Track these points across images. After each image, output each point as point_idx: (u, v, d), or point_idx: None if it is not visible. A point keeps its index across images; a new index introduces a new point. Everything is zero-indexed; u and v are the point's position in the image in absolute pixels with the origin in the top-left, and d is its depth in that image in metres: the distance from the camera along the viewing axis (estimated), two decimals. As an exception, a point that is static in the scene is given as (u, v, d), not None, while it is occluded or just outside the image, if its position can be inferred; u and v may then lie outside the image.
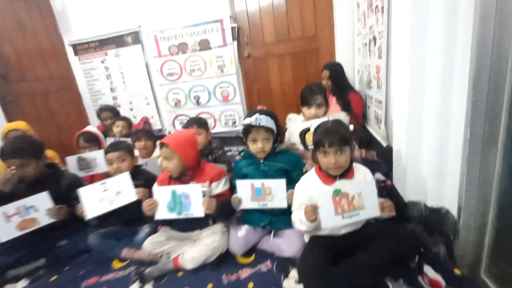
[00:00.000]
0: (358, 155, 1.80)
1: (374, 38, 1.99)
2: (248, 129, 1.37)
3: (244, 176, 1.45)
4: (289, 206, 1.28)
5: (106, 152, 1.61)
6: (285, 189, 1.30)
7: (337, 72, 2.49)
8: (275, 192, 1.31)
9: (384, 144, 1.88)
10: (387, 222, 1.12)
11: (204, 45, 2.96)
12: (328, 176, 1.17)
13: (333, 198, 1.06)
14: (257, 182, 1.32)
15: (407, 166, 1.23)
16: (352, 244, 1.14)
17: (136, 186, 1.46)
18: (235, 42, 2.94)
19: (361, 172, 1.20)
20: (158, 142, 1.64)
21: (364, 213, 1.06)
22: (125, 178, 1.46)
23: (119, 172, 1.51)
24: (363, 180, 1.17)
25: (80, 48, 3.29)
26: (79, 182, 1.67)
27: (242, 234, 1.37)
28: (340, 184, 1.14)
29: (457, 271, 1.09)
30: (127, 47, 3.17)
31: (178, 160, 1.35)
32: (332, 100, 2.39)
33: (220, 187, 1.42)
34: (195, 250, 1.29)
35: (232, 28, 2.88)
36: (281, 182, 1.29)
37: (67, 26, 3.23)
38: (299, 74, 3.02)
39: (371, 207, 1.06)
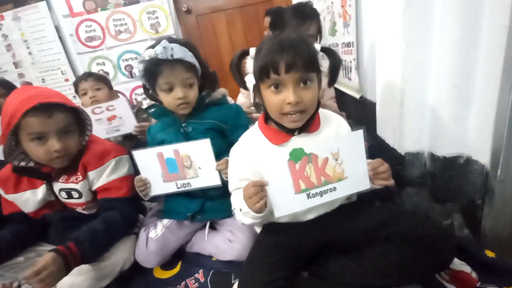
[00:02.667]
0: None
1: (337, -38, 1.54)
2: (154, 68, 0.84)
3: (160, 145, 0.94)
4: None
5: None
6: (213, 155, 0.81)
7: (280, 18, 2.01)
8: (198, 163, 0.82)
9: (357, 96, 1.48)
10: (387, 198, 0.68)
11: (130, -2, 2.33)
12: (280, 131, 0.70)
13: (291, 166, 0.59)
14: (167, 149, 0.82)
15: (403, 106, 0.79)
16: (331, 235, 0.69)
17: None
18: (170, -7, 2.35)
19: (333, 122, 0.74)
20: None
21: (345, 186, 0.61)
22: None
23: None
24: (335, 131, 0.72)
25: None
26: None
27: (157, 234, 0.87)
28: (301, 141, 0.68)
29: (489, 253, 0.69)
30: (28, 5, 2.42)
31: None
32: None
33: (105, 175, 0.88)
34: (69, 275, 0.72)
35: (163, -27, 2.28)
36: (204, 144, 0.80)
37: None
38: (252, 33, 2.52)
39: (357, 174, 0.61)
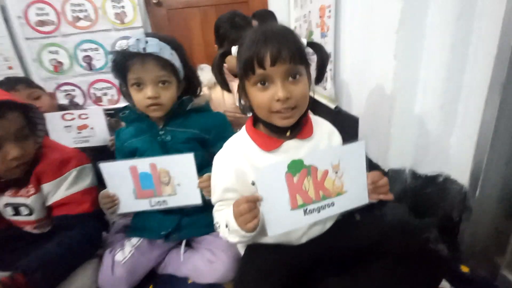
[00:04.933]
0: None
1: (318, -29, 1.55)
2: (124, 61, 0.75)
3: (132, 155, 0.83)
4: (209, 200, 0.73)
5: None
6: (195, 172, 0.74)
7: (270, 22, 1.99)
8: (178, 179, 0.74)
9: (332, 105, 1.50)
10: (367, 211, 0.67)
11: (92, -18, 2.11)
12: (270, 136, 0.66)
13: (288, 179, 0.54)
14: (142, 163, 0.73)
15: (391, 124, 0.80)
16: (322, 257, 0.66)
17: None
18: (139, -18, 2.17)
19: (324, 128, 0.71)
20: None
21: (344, 201, 0.58)
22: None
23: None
24: (327, 139, 0.69)
25: None
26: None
27: (125, 257, 0.76)
28: (293, 146, 0.64)
29: (464, 268, 0.72)
30: (-37, -22, 2.06)
31: None
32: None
33: (64, 187, 0.76)
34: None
35: (133, -40, 2.10)
36: (186, 159, 0.72)
37: None
38: (226, 31, 2.45)
39: (357, 188, 0.58)
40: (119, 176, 0.73)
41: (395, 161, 0.83)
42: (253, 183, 0.65)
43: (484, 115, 0.64)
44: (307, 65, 0.61)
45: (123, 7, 2.18)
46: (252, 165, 0.64)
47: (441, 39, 0.69)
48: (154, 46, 0.73)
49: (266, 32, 0.58)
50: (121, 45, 0.73)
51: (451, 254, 0.76)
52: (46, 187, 0.73)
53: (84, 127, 1.10)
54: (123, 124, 0.93)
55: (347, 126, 1.12)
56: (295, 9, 2.15)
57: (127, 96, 0.84)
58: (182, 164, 0.72)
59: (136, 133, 0.84)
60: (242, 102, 0.66)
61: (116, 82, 2.35)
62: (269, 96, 0.59)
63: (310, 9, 1.77)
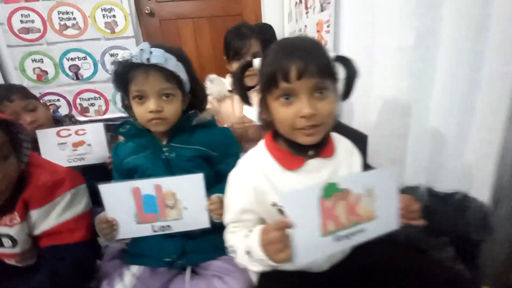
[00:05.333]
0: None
1: (315, -14, 1.57)
2: (126, 72, 0.70)
3: (131, 173, 0.76)
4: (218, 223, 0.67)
5: None
6: (205, 194, 0.68)
7: (268, 36, 1.99)
8: (185, 202, 0.68)
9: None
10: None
11: (82, -10, 2.04)
12: (292, 151, 0.61)
13: (321, 203, 0.49)
14: (146, 184, 0.66)
15: (407, 140, 0.78)
16: (343, 284, 0.61)
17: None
18: (131, -8, 2.12)
19: (343, 146, 0.68)
20: None
21: (375, 227, 0.54)
22: None
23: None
24: (349, 158, 0.66)
25: None
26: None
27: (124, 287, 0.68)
28: (316, 165, 0.60)
29: (487, 292, 0.69)
30: None
31: None
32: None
33: (55, 214, 0.67)
34: None
35: (125, -30, 2.06)
36: (195, 180, 0.67)
37: None
38: (219, 43, 2.39)
39: (388, 214, 0.54)
40: (119, 198, 0.65)
41: (410, 178, 0.80)
42: (273, 205, 0.60)
43: (508, 131, 0.62)
44: (334, 80, 0.58)
45: (114, 16, 2.12)
46: (272, 184, 0.59)
47: (457, 54, 0.68)
48: (159, 56, 0.68)
49: (293, 44, 0.54)
50: (123, 55, 0.68)
51: (471, 274, 0.74)
52: (34, 214, 0.63)
53: (80, 143, 1.00)
54: (121, 138, 0.86)
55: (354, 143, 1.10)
56: (289, 23, 2.17)
57: (128, 109, 0.77)
58: (190, 186, 0.66)
59: (137, 149, 0.77)
60: (263, 116, 0.62)
61: (107, 93, 2.29)
62: (293, 111, 0.55)
63: (306, 23, 1.78)
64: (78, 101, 2.26)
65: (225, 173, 0.70)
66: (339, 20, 1.30)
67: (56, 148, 0.97)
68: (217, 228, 0.67)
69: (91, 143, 1.00)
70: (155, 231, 0.69)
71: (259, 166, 0.62)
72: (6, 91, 0.99)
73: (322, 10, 1.47)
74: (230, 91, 1.26)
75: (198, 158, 0.76)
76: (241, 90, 0.63)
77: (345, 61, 0.60)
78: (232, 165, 0.70)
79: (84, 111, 2.27)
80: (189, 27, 2.37)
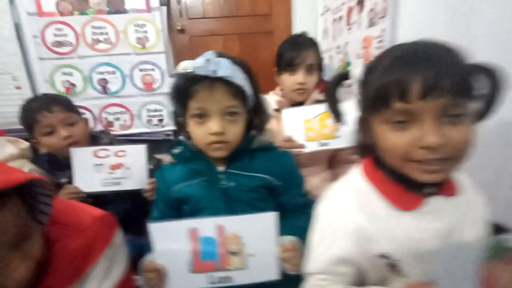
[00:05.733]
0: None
1: (361, 2, 1.49)
2: (187, 86, 0.59)
3: (180, 204, 0.64)
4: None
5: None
6: (276, 237, 0.55)
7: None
8: (253, 248, 0.55)
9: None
10: None
11: (116, 5, 2.05)
12: (405, 189, 0.47)
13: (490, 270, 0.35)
14: (205, 224, 0.54)
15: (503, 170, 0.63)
16: None
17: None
18: (164, 9, 2.12)
19: (466, 177, 0.54)
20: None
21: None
22: None
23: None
24: (477, 196, 0.52)
25: None
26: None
27: None
28: (440, 206, 0.48)
29: None
30: (-19, -5, 1.98)
31: None
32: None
33: (113, 277, 0.52)
34: None
35: (161, -13, 2.06)
36: (267, 219, 0.54)
37: None
38: (249, 61, 2.35)
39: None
40: (173, 241, 0.53)
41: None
42: (382, 257, 0.46)
43: None
44: (472, 99, 0.45)
45: (146, 32, 2.11)
46: (382, 228, 0.46)
47: None
48: (227, 68, 0.58)
49: (415, 50, 0.42)
50: (185, 66, 0.58)
51: None
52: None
53: (118, 166, 0.91)
54: (166, 160, 0.74)
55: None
56: (324, 40, 2.10)
57: (181, 128, 0.67)
58: (259, 227, 0.54)
59: (188, 175, 0.65)
60: (364, 139, 0.49)
61: (133, 108, 2.24)
62: (409, 139, 0.43)
63: (347, 40, 1.71)
64: (103, 115, 2.23)
65: (289, 207, 0.57)
66: (396, 34, 1.20)
67: (92, 170, 0.87)
68: (290, 281, 0.53)
69: (130, 167, 0.91)
70: (211, 283, 0.56)
71: (362, 202, 0.49)
72: (49, 101, 0.93)
73: (371, 26, 1.39)
74: (276, 110, 1.16)
75: (261, 188, 0.64)
76: (334, 105, 0.52)
77: (488, 70, 0.46)
78: (298, 197, 0.57)
79: (108, 125, 2.23)
80: (218, 44, 2.34)
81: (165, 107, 2.26)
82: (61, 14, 2.03)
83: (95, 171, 0.89)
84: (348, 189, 0.52)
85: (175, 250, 0.55)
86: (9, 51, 2.05)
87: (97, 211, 0.55)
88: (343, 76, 0.53)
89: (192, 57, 2.01)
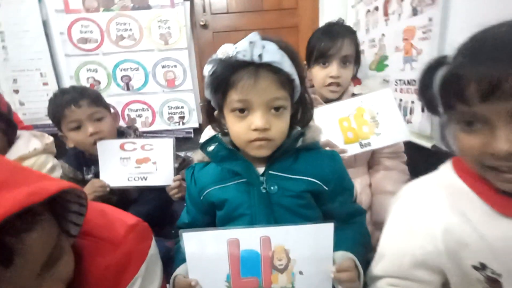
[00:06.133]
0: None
1: (401, -10, 1.36)
2: (227, 74, 0.51)
3: (214, 208, 0.56)
4: None
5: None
6: (332, 253, 0.46)
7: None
8: (301, 263, 0.46)
9: (428, 144, 1.22)
10: None
11: (141, 2, 2.02)
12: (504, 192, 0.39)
13: None
14: (247, 235, 0.46)
15: None
16: None
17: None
18: (188, 4, 2.08)
19: None
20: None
21: None
22: None
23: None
24: None
25: None
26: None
27: None
28: None
29: None
30: (12, -7, 2.02)
31: None
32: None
33: None
34: None
35: (185, -18, 2.02)
36: (324, 232, 0.45)
37: None
38: (273, 57, 2.29)
39: None
40: (208, 253, 0.45)
41: None
42: (478, 268, 0.36)
43: None
44: None
45: (169, 27, 2.08)
46: (479, 233, 0.36)
47: None
48: (274, 53, 0.49)
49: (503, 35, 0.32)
50: (226, 51, 0.50)
51: None
52: None
53: (145, 160, 0.85)
54: (194, 159, 0.66)
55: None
56: (357, 32, 1.97)
57: (215, 123, 0.58)
58: (313, 240, 0.44)
59: (224, 176, 0.57)
60: (446, 141, 0.40)
61: (155, 105, 2.21)
62: (479, 144, 0.36)
63: (383, 32, 1.58)
64: (126, 111, 2.22)
65: (337, 216, 0.48)
66: (447, 23, 1.06)
67: (118, 163, 0.82)
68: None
69: (156, 161, 0.84)
70: (255, 304, 0.47)
71: (452, 201, 0.40)
72: (77, 94, 0.88)
73: (414, 15, 1.26)
74: None
75: (307, 193, 0.54)
76: (426, 97, 0.42)
77: None
78: (347, 204, 0.48)
79: (131, 122, 2.21)
80: (241, 40, 2.27)
81: (187, 104, 2.22)
82: (87, 10, 2.03)
83: (121, 164, 0.84)
84: (436, 187, 0.44)
85: (211, 264, 0.47)
86: (36, 48, 2.08)
87: (130, 219, 0.49)
88: (439, 61, 0.42)
89: (215, 52, 1.94)
